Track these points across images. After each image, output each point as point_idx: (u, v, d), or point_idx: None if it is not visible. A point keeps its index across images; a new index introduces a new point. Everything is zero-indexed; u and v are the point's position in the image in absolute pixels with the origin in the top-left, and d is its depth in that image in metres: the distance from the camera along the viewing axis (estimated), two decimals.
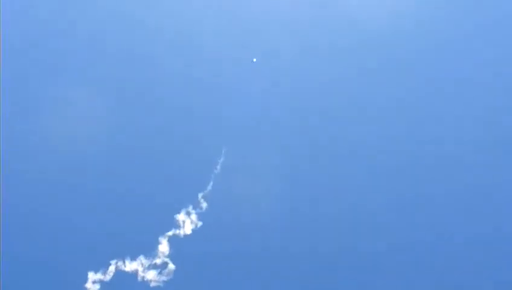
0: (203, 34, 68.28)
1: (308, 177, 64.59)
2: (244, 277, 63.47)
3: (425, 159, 62.00)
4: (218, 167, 67.39)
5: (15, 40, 65.05)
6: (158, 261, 63.53)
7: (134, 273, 62.81)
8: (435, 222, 60.56)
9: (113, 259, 62.96)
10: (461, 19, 65.48)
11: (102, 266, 62.74)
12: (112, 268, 62.96)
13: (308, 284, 61.43)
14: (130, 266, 63.08)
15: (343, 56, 66.71)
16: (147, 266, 63.17)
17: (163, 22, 67.82)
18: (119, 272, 62.74)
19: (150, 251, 63.68)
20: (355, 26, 66.84)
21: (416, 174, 61.67)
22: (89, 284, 61.71)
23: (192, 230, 65.01)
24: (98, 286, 61.68)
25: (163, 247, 64.12)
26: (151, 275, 62.70)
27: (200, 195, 65.24)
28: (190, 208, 65.05)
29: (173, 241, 64.36)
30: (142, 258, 63.31)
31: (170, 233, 64.78)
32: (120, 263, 63.08)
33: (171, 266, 63.34)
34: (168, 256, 63.71)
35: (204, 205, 65.25)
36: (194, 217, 65.06)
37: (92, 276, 62.20)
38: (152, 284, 62.00)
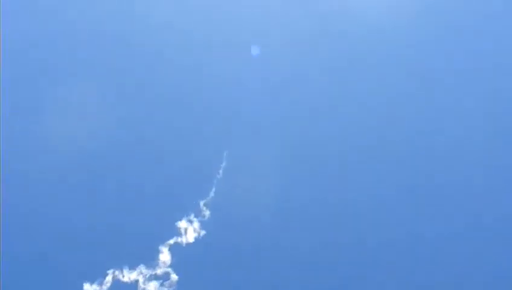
0: (200, 32, 66.01)
1: (314, 178, 62.18)
2: (251, 288, 59.61)
3: (427, 153, 60.49)
4: (221, 171, 62.85)
5: (14, 38, 62.74)
6: (159, 271, 58.23)
7: (134, 285, 57.32)
8: (438, 221, 58.98)
9: (110, 268, 57.43)
10: (463, 12, 64.49)
11: (99, 276, 57.17)
12: (108, 278, 57.42)
13: None
14: (128, 276, 57.60)
15: (345, 54, 65.08)
16: (147, 276, 57.82)
17: (165, 20, 65.66)
18: (116, 283, 57.18)
19: (150, 260, 58.51)
20: (356, 21, 65.25)
21: (419, 170, 60.16)
22: None
23: (195, 238, 60.11)
24: None
25: (165, 256, 58.94)
26: (152, 286, 57.31)
27: (202, 202, 61.02)
28: (192, 216, 60.60)
29: (175, 250, 59.27)
30: (142, 267, 57.96)
31: (171, 241, 59.75)
32: (118, 273, 57.55)
33: (174, 276, 58.22)
34: (170, 266, 58.45)
35: (207, 213, 60.94)
36: (196, 225, 60.64)
37: (87, 288, 56.53)
38: None
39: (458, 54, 62.87)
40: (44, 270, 57.91)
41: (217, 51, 65.73)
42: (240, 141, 63.89)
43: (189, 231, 60.44)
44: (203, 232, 60.54)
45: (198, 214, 60.59)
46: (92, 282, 57.07)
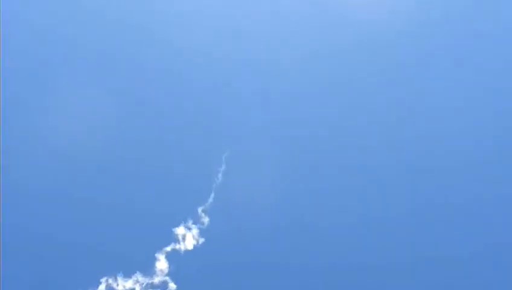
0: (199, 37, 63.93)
1: (316, 181, 59.94)
2: None
3: (429, 159, 59.16)
4: (220, 176, 59.43)
5: (15, 40, 61.47)
6: (156, 280, 54.53)
7: None
8: (443, 227, 57.50)
9: (103, 276, 53.69)
10: (465, 17, 63.32)
11: (92, 285, 53.65)
12: (102, 287, 53.71)
13: None
14: (123, 284, 53.81)
15: (346, 57, 63.51)
16: (144, 285, 54.04)
17: (165, 20, 64.11)
18: None
19: (146, 268, 54.75)
20: (357, 25, 63.83)
21: (420, 171, 58.80)
22: None
23: (194, 246, 56.56)
24: None
25: (162, 264, 55.27)
26: None
27: (200, 209, 57.69)
28: (190, 223, 57.31)
29: (173, 257, 55.74)
30: (138, 276, 54.21)
31: (169, 248, 56.10)
32: (112, 281, 53.79)
33: (172, 285, 54.58)
34: (168, 274, 54.86)
35: (206, 219, 57.50)
36: (195, 232, 57.32)
37: None
38: None
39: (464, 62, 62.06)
40: (35, 277, 55.12)
41: (217, 52, 63.90)
42: (239, 143, 61.24)
43: (188, 237, 57.07)
44: (202, 240, 57.18)
45: (197, 220, 57.44)
46: None
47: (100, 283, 53.84)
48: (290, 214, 59.26)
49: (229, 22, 64.39)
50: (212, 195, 58.62)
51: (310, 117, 62.01)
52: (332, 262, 57.47)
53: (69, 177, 58.24)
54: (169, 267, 55.40)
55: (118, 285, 54.00)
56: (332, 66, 63.07)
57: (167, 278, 55.01)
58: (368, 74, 62.35)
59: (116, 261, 55.78)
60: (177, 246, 56.51)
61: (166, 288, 54.78)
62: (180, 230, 57.24)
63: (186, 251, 56.65)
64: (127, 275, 54.43)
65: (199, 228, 57.25)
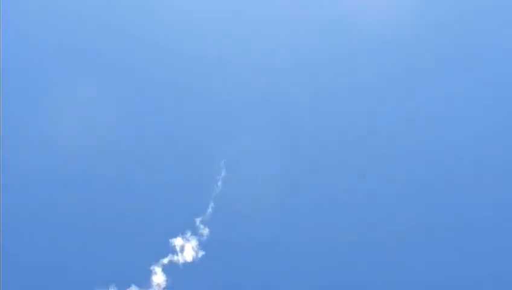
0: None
1: (318, 187, 57.41)
2: None
3: (432, 152, 57.76)
4: (219, 183, 55.88)
5: (16, 39, 59.96)
6: None
7: None
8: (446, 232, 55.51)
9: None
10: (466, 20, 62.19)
11: None
12: None
13: None
14: None
15: (347, 61, 61.90)
16: None
17: (167, 22, 62.48)
18: None
19: (142, 281, 51.15)
20: (358, 23, 62.36)
21: (422, 171, 57.41)
22: None
23: (192, 258, 53.04)
24: None
25: (158, 277, 51.54)
26: None
27: (198, 219, 54.57)
28: (189, 234, 54.03)
29: (170, 270, 52.18)
30: (133, 289, 50.43)
31: (166, 260, 52.40)
32: None
33: None
34: (165, 288, 51.19)
35: (205, 231, 54.30)
36: (193, 243, 54.05)
37: None
38: None
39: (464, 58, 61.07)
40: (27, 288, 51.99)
41: (210, 60, 61.70)
42: (238, 149, 58.16)
43: (186, 250, 53.76)
44: (201, 253, 53.94)
45: (195, 231, 54.26)
46: None
47: None
48: (294, 224, 56.36)
49: (229, 27, 62.85)
50: (212, 204, 55.41)
51: (311, 121, 60.16)
52: (336, 276, 54.90)
53: (64, 185, 55.73)
54: (166, 281, 51.76)
55: None
56: (333, 70, 61.67)
57: None
58: (369, 77, 61.14)
59: (110, 274, 52.66)
60: (175, 258, 52.86)
61: None
62: (177, 241, 53.60)
63: (184, 264, 52.92)
64: (122, 288, 50.69)
65: (198, 240, 53.74)
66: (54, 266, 52.64)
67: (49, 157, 55.75)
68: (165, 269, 52.66)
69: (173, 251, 53.46)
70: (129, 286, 51.14)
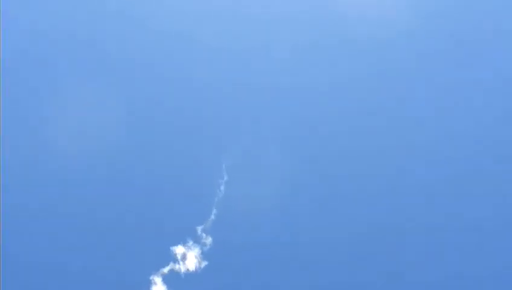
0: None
1: (325, 189, 55.68)
2: None
3: (433, 153, 56.63)
4: (222, 188, 52.76)
5: (16, 39, 58.88)
6: None
7: None
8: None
9: None
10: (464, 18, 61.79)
11: None
12: None
13: None
14: None
15: (349, 55, 60.88)
16: None
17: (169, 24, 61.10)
18: None
19: None
20: (359, 24, 61.49)
21: (424, 172, 56.17)
22: None
23: (194, 268, 49.99)
24: None
25: (158, 288, 48.06)
26: None
27: (200, 228, 51.87)
28: (190, 243, 51.25)
29: (170, 281, 48.81)
30: None
31: (166, 270, 49.07)
32: None
33: None
34: None
35: (208, 240, 51.49)
36: (196, 252, 51.12)
37: None
38: None
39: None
40: None
41: (210, 59, 60.17)
42: (240, 151, 55.95)
43: (188, 258, 50.38)
44: (204, 263, 50.97)
45: (197, 240, 51.46)
46: None
47: None
48: (301, 230, 53.82)
49: (231, 28, 61.42)
50: (214, 211, 52.55)
51: (313, 120, 58.63)
52: (340, 281, 52.83)
53: (64, 189, 53.76)
54: None
55: None
56: (336, 71, 60.22)
57: None
58: (369, 75, 59.97)
59: (107, 284, 50.04)
60: (177, 267, 49.51)
61: None
62: (179, 249, 50.38)
63: (186, 274, 49.62)
64: None
65: (201, 249, 50.59)
66: (50, 273, 50.40)
67: (48, 164, 54.18)
68: (166, 279, 49.27)
69: (174, 260, 50.31)
70: None
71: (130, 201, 53.40)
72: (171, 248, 50.64)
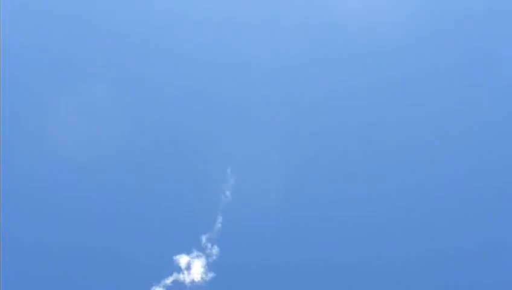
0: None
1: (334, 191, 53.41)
2: None
3: (432, 155, 55.28)
4: (228, 193, 48.94)
5: (18, 40, 57.90)
6: None
7: None
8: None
9: None
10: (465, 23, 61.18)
11: None
12: None
13: None
14: None
15: (352, 57, 60.02)
16: None
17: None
18: None
19: None
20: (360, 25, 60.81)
21: (424, 172, 54.80)
22: None
23: (201, 278, 46.28)
24: None
25: None
26: None
27: (205, 236, 48.33)
28: (194, 253, 47.60)
29: None
30: None
31: (169, 281, 44.57)
32: None
33: None
34: None
35: (214, 250, 47.82)
36: (201, 262, 47.30)
37: None
38: None
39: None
40: None
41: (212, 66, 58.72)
42: (245, 153, 53.46)
43: (192, 269, 46.90)
44: (211, 275, 47.05)
45: (202, 250, 47.87)
46: None
47: None
48: (313, 239, 50.61)
49: (234, 31, 60.39)
50: (220, 218, 48.92)
51: (318, 120, 56.97)
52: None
53: (62, 196, 51.06)
54: None
55: None
56: (341, 73, 59.26)
57: None
58: (376, 80, 58.85)
59: None
60: (181, 277, 45.13)
61: None
62: (183, 259, 46.03)
63: (192, 284, 45.11)
64: None
65: (207, 259, 47.01)
66: (48, 281, 47.19)
67: (49, 171, 52.14)
68: None
69: (178, 270, 46.02)
70: None
71: (129, 207, 50.15)
72: (174, 257, 46.68)
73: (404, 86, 58.12)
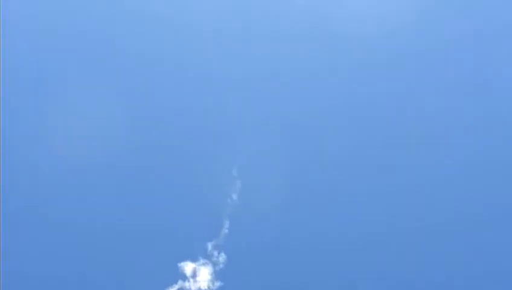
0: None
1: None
2: None
3: (433, 155, 55.05)
4: (235, 196, 46.88)
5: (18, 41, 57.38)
6: None
7: None
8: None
9: None
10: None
11: None
12: None
13: None
14: None
15: (354, 58, 59.45)
16: None
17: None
18: None
19: None
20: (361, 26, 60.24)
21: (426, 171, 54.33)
22: None
23: (208, 287, 44.72)
24: None
25: None
26: None
27: (211, 244, 46.38)
28: (201, 262, 45.77)
29: None
30: None
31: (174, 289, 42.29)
32: None
33: None
34: None
35: (221, 258, 45.89)
36: (208, 270, 45.35)
37: None
38: None
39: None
40: None
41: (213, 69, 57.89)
42: (250, 154, 51.63)
43: (199, 276, 45.05)
44: (218, 284, 45.12)
45: (209, 258, 46.00)
46: None
47: None
48: (327, 248, 49.30)
49: (237, 33, 59.69)
50: (227, 223, 47.08)
51: (323, 121, 56.03)
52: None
53: (65, 203, 49.81)
54: None
55: None
56: (345, 74, 58.79)
57: None
58: (376, 77, 58.59)
59: None
60: (186, 285, 42.77)
61: None
62: (188, 266, 43.82)
63: None
64: None
65: (214, 267, 45.54)
66: (51, 288, 45.88)
67: (52, 178, 50.99)
68: None
69: (183, 278, 44.21)
70: None
71: (132, 213, 48.76)
72: (179, 265, 44.81)
73: (405, 90, 57.60)
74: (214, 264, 45.11)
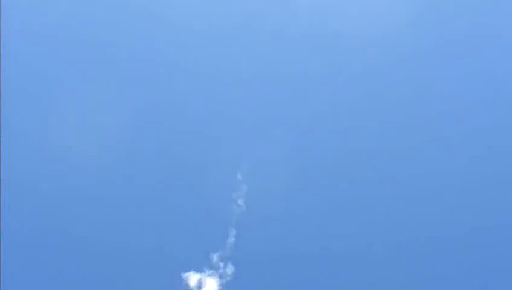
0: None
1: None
2: None
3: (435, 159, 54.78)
4: (241, 201, 44.76)
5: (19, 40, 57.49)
6: None
7: None
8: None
9: None
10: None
11: None
12: None
13: None
14: None
15: (356, 59, 59.35)
16: None
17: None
18: None
19: None
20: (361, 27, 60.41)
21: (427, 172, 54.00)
22: None
23: None
24: None
25: None
26: None
27: (217, 254, 44.16)
28: (206, 273, 43.59)
29: None
30: None
31: None
32: None
33: None
34: None
35: (228, 270, 43.60)
36: (214, 283, 43.06)
37: None
38: None
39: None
40: None
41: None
42: (256, 158, 50.11)
43: (204, 288, 42.57)
44: None
45: (214, 270, 43.83)
46: None
47: None
48: (339, 256, 47.43)
49: (240, 36, 59.83)
50: (234, 232, 44.90)
51: (324, 124, 55.71)
52: None
53: (67, 211, 48.54)
54: None
55: None
56: (350, 75, 58.33)
57: None
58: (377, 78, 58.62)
59: None
60: None
61: None
62: (193, 277, 41.54)
63: None
64: None
65: (220, 280, 43.17)
66: None
67: (54, 186, 49.95)
68: None
69: (187, 289, 42.06)
70: None
71: (134, 221, 47.06)
72: (183, 275, 42.54)
73: (406, 91, 57.21)
74: (220, 276, 42.91)
